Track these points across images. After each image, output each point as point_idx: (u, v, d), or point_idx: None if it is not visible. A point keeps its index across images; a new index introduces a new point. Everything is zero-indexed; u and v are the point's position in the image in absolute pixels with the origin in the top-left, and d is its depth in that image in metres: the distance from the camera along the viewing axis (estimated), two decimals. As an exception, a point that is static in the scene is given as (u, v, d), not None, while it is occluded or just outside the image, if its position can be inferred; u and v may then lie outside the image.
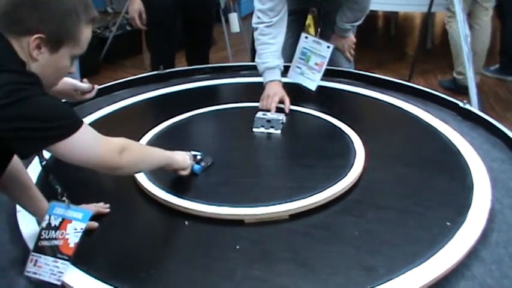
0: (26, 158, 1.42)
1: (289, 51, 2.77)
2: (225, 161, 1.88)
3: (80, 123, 1.34)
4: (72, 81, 1.90)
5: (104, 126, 2.18)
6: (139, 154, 1.53)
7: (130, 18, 3.55)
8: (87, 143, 1.36)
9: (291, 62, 2.66)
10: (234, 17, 4.47)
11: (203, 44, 3.77)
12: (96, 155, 1.38)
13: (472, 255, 1.44)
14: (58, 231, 1.41)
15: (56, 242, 1.40)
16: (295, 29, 2.87)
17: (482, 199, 1.64)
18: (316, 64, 2.51)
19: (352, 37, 2.79)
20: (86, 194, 1.70)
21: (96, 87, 1.98)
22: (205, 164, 1.81)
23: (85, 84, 1.94)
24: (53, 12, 1.35)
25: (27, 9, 1.33)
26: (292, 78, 2.57)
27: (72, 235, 1.40)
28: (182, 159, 1.72)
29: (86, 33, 1.42)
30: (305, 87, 2.52)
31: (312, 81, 2.51)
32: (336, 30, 2.72)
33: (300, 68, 2.56)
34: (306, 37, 2.55)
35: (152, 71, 3.03)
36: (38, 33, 1.32)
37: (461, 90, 4.36)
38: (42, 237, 1.41)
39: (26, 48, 1.33)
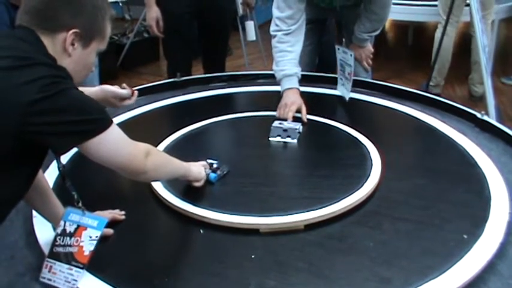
0: (61, 154, 1.41)
1: (306, 59, 2.77)
2: (241, 170, 1.88)
3: (112, 120, 1.35)
4: (111, 88, 1.89)
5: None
6: (162, 160, 1.54)
7: (148, 25, 3.57)
8: (118, 142, 1.36)
9: (308, 70, 2.66)
10: (250, 25, 4.49)
11: (219, 52, 3.78)
12: (126, 155, 1.38)
13: (489, 268, 1.42)
14: (73, 238, 1.41)
15: (70, 249, 1.40)
16: (313, 38, 2.88)
17: (499, 212, 1.63)
18: (348, 74, 2.50)
19: (369, 47, 2.79)
20: (102, 201, 1.71)
21: (136, 92, 1.97)
22: (221, 173, 1.81)
23: (124, 90, 1.92)
24: (85, 7, 1.38)
25: (61, 6, 1.36)
26: (339, 91, 2.57)
27: (87, 243, 1.40)
28: (197, 170, 1.72)
29: (109, 29, 1.46)
30: (343, 97, 2.53)
31: (347, 91, 2.52)
32: (354, 40, 2.72)
33: (342, 79, 2.56)
34: (338, 48, 2.54)
35: (169, 78, 3.04)
36: (72, 28, 1.35)
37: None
38: (56, 244, 1.42)
39: (59, 45, 1.36)
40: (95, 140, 1.30)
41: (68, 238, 1.42)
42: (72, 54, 1.37)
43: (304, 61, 2.67)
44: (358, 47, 2.74)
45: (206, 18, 3.52)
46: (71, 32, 1.35)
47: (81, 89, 1.35)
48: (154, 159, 1.45)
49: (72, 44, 1.37)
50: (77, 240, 1.41)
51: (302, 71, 2.50)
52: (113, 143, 1.35)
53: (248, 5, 4.35)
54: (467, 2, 4.34)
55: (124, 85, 1.95)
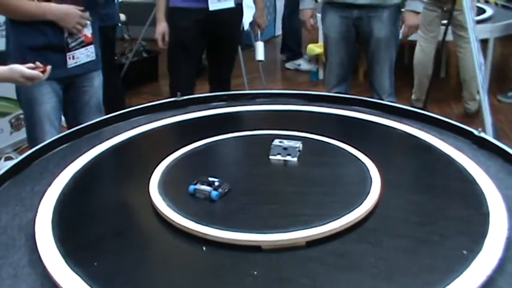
0: None
1: (339, 71, 2.84)
2: (242, 188, 1.90)
3: None
4: (19, 68, 1.87)
5: (120, 152, 2.22)
6: None
7: (156, 38, 3.62)
8: None
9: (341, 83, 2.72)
10: (260, 46, 4.54)
11: (225, 67, 3.82)
12: None
13: (489, 284, 1.43)
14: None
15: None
16: (345, 50, 2.96)
17: (498, 228, 1.64)
18: None
19: (417, 19, 3.03)
20: (103, 219, 1.72)
21: (49, 67, 1.93)
22: (223, 191, 1.83)
23: (32, 71, 1.88)
24: None
25: None
26: None
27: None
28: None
29: None
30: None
31: None
32: (408, 5, 2.87)
33: None
34: None
35: (172, 93, 3.06)
36: None
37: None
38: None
39: None
40: None
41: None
42: None
43: (339, 73, 2.71)
44: (412, 13, 2.85)
45: (215, 33, 3.54)
46: None
47: None
48: None
49: None
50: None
51: (334, 83, 2.55)
52: None
53: (259, 26, 4.40)
54: (443, 21, 4.45)
55: (37, 63, 1.94)
